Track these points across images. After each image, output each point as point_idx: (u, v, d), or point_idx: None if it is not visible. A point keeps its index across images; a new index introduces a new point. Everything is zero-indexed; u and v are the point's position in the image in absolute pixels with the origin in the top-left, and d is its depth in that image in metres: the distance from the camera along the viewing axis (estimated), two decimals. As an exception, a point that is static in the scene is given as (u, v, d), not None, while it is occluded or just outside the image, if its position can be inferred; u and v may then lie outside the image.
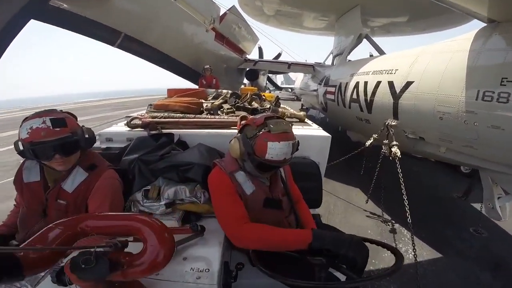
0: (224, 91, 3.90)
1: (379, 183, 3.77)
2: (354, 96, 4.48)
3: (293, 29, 9.77)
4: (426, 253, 3.05)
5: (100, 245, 0.72)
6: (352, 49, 6.40)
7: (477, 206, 3.94)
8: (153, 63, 6.25)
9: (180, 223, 1.43)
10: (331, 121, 7.54)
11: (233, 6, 7.60)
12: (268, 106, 2.69)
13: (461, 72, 2.39)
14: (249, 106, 2.61)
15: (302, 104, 12.73)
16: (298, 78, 14.02)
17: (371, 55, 5.91)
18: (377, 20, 7.43)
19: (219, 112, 2.56)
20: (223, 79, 8.09)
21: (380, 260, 2.79)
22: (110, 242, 0.89)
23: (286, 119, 1.84)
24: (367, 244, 1.09)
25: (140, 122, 2.02)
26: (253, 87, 4.64)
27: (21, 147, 1.16)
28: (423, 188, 4.88)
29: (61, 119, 1.19)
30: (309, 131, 2.19)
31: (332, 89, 5.82)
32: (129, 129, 2.04)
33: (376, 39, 6.02)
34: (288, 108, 3.11)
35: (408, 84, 3.08)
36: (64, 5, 3.86)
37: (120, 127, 2.13)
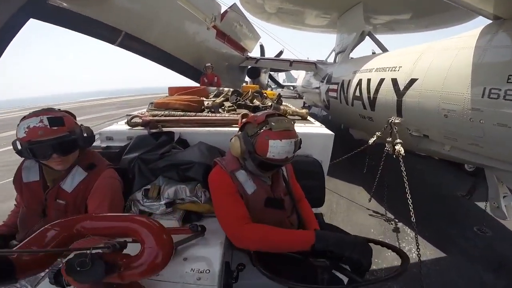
0: (226, 89, 3.88)
1: (382, 182, 3.73)
2: (357, 93, 4.44)
3: (294, 26, 9.71)
4: (429, 252, 3.02)
5: (96, 247, 0.70)
6: (354, 46, 6.34)
7: (481, 205, 3.89)
8: (154, 61, 6.23)
9: (180, 223, 1.41)
10: (334, 119, 7.50)
11: (234, 4, 7.54)
12: (269, 103, 2.66)
13: (466, 69, 2.36)
14: (251, 104, 2.59)
15: (304, 102, 12.67)
16: (300, 76, 13.93)
17: (373, 53, 5.85)
18: (379, 18, 7.37)
19: (220, 110, 2.53)
20: (225, 77, 8.07)
21: (383, 259, 2.76)
22: (108, 243, 0.87)
23: (288, 116, 1.81)
24: (371, 244, 1.06)
25: (141, 120, 2.00)
26: (254, 85, 4.61)
27: (19, 147, 1.15)
28: (427, 187, 4.83)
29: (58, 118, 1.18)
30: (312, 129, 2.16)
31: (335, 87, 5.78)
32: (129, 127, 2.02)
33: (378, 37, 5.97)
34: (290, 105, 3.08)
35: (412, 81, 3.04)
36: (64, 4, 3.84)
37: (121, 126, 2.12)
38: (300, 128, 2.11)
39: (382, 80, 3.68)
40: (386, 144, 3.28)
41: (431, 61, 2.88)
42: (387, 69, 3.68)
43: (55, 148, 1.15)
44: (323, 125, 2.28)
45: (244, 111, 2.37)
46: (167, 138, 1.78)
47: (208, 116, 2.18)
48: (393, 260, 2.76)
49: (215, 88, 4.31)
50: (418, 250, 2.49)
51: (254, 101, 2.76)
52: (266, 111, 1.35)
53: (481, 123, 2.23)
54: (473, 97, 2.26)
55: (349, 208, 4.03)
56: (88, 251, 0.66)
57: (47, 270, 0.91)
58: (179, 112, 2.24)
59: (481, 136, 2.31)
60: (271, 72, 12.77)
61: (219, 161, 1.32)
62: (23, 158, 1.30)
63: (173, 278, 1.03)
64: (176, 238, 1.18)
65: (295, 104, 4.02)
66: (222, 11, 7.21)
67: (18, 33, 2.64)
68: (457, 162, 4.29)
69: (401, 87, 3.22)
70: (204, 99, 3.05)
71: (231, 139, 1.28)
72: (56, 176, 1.28)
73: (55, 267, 0.77)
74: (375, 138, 3.48)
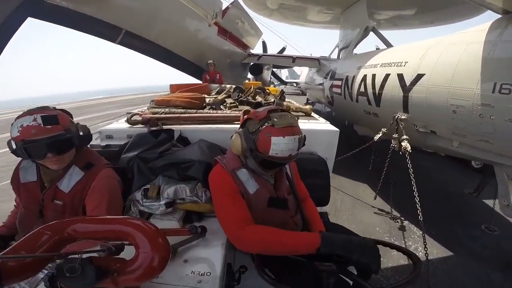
0: (228, 86, 3.83)
1: (388, 179, 3.67)
2: (362, 89, 4.38)
3: (297, 22, 9.63)
4: (436, 251, 2.97)
5: (89, 250, 0.66)
6: (358, 42, 6.27)
7: (489, 202, 3.82)
8: (156, 59, 6.22)
9: (181, 223, 1.36)
10: (337, 115, 7.45)
11: (236, 0, 7.48)
12: (272, 100, 2.61)
13: (475, 64, 2.31)
14: (253, 100, 2.54)
15: (307, 98, 12.60)
16: (303, 73, 13.86)
17: (377, 49, 5.77)
18: (383, 13, 7.30)
19: (222, 107, 2.49)
20: (227, 74, 8.04)
21: (388, 258, 2.71)
22: (104, 245, 0.83)
23: (292, 113, 1.75)
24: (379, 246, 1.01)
25: (141, 118, 1.97)
26: (257, 82, 4.56)
27: (13, 146, 1.12)
28: (433, 184, 4.76)
29: (52, 117, 1.14)
30: (316, 125, 2.10)
31: (339, 83, 5.72)
32: (129, 125, 1.99)
33: (382, 33, 5.87)
34: (293, 102, 3.02)
35: (419, 76, 2.99)
36: (62, 2, 3.80)
37: (121, 124, 2.08)
38: (304, 124, 2.06)
39: (387, 76, 3.62)
40: (392, 140, 3.23)
41: (438, 56, 2.83)
42: (393, 64, 3.62)
43: (50, 147, 1.12)
44: (328, 121, 2.23)
45: (246, 107, 2.32)
46: (167, 136, 1.74)
47: (209, 113, 2.13)
48: (399, 259, 2.70)
49: (217, 85, 4.27)
50: (426, 249, 2.44)
51: (257, 97, 2.70)
52: (268, 106, 1.29)
53: (491, 119, 2.19)
54: (483, 92, 2.22)
55: (354, 206, 3.98)
56: (78, 256, 0.62)
57: (45, 272, 0.88)
58: (180, 110, 2.20)
59: (492, 132, 2.26)
60: (273, 69, 12.70)
61: (219, 160, 1.26)
62: (20, 158, 1.27)
63: (172, 281, 0.99)
64: (177, 239, 1.15)
65: (298, 101, 3.97)
66: (223, 8, 7.15)
67: (16, 32, 2.61)
68: (466, 159, 4.22)
69: (408, 83, 3.16)
70: (206, 96, 3.00)
71: (231, 136, 1.23)
72: (53, 176, 1.25)
73: (51, 270, 0.73)
74: (380, 135, 3.43)
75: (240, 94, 2.80)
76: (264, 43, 11.76)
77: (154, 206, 1.37)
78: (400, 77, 3.31)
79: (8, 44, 2.58)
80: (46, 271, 0.88)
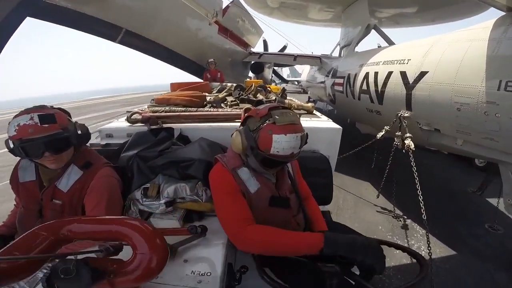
0: (229, 84, 3.81)
1: (391, 177, 3.63)
2: (364, 87, 4.34)
3: (298, 21, 9.59)
4: (439, 250, 2.94)
5: (83, 251, 0.64)
6: (360, 40, 6.22)
7: (492, 201, 3.78)
8: (156, 58, 6.20)
9: (181, 222, 1.35)
10: (339, 113, 7.42)
11: None
12: (273, 97, 2.58)
13: (480, 61, 2.28)
14: (254, 98, 2.51)
15: (309, 96, 12.55)
16: (304, 71, 13.79)
17: (379, 47, 5.73)
18: (385, 11, 7.26)
19: (222, 105, 2.46)
20: (228, 73, 8.01)
21: (391, 257, 2.68)
22: (103, 245, 0.81)
23: (293, 110, 1.73)
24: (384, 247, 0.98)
25: (141, 117, 1.95)
26: (258, 80, 4.54)
27: (11, 145, 1.11)
28: (436, 182, 4.71)
29: (50, 115, 1.12)
30: (318, 123, 2.07)
31: (341, 81, 5.68)
32: (129, 124, 1.97)
33: (384, 31, 5.82)
34: (295, 100, 2.99)
35: (422, 74, 2.95)
36: (61, 2, 3.77)
37: (121, 123, 2.07)
38: (306, 122, 2.03)
39: (390, 73, 3.58)
40: (395, 138, 3.19)
41: (442, 54, 2.79)
42: (396, 62, 3.59)
43: (47, 146, 1.10)
44: (330, 119, 2.20)
45: (247, 105, 2.30)
46: (167, 135, 1.72)
47: (210, 111, 2.11)
48: (401, 258, 2.68)
49: (218, 83, 4.25)
50: (429, 249, 2.41)
51: (258, 95, 2.68)
52: (269, 103, 1.26)
53: (496, 116, 2.15)
54: (488, 90, 2.19)
55: (356, 204, 3.94)
56: (73, 257, 0.60)
57: (45, 271, 0.86)
58: (180, 108, 2.18)
59: (497, 130, 2.22)
60: (275, 67, 12.66)
61: (220, 158, 1.23)
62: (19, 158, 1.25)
63: (172, 281, 0.98)
64: (177, 239, 1.13)
65: (300, 99, 3.94)
66: (223, 6, 7.12)
67: (15, 32, 2.59)
68: (470, 157, 4.18)
69: (411, 80, 3.12)
70: (207, 94, 2.98)
71: (232, 134, 1.20)
72: (52, 176, 1.24)
73: (49, 270, 0.71)
74: (383, 132, 3.39)
75: (241, 92, 2.78)
76: (265, 42, 11.70)
77: (154, 205, 1.35)
78: (403, 74, 3.27)
79: (7, 44, 2.57)
80: (45, 271, 0.86)
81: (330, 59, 7.86)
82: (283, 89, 3.16)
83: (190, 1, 5.81)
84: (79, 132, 1.25)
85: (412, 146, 2.88)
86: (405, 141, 2.95)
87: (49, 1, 3.60)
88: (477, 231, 3.26)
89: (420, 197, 2.60)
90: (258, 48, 10.40)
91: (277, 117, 1.06)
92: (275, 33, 9.35)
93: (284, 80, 18.19)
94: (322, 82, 7.83)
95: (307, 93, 13.55)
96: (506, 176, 2.55)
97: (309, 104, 2.54)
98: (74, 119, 1.32)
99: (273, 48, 11.65)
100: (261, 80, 4.27)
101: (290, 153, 1.07)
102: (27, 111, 1.11)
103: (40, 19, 3.70)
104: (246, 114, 1.23)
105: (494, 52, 2.19)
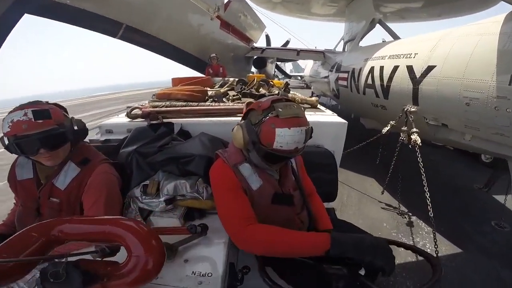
0: (231, 79, 3.75)
1: (396, 173, 3.57)
2: (369, 81, 4.27)
3: (301, 15, 9.43)
4: (445, 247, 2.89)
5: (74, 253, 0.60)
6: (364, 34, 6.12)
7: (499, 198, 3.71)
8: (158, 53, 6.14)
9: (181, 220, 1.31)
10: (343, 108, 7.35)
11: None
12: (276, 92, 2.52)
13: (490, 56, 2.23)
14: (256, 93, 2.46)
15: (312, 91, 12.45)
16: (307, 66, 13.65)
17: (383, 41, 5.62)
18: (390, 6, 7.12)
19: (224, 99, 2.41)
20: (231, 68, 7.94)
21: (396, 255, 2.62)
22: (98, 246, 0.78)
23: (297, 104, 1.67)
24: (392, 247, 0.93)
25: (141, 112, 1.91)
26: (260, 74, 4.48)
27: (6, 142, 1.08)
28: (441, 178, 4.64)
29: (44, 111, 1.09)
30: (323, 117, 2.02)
31: (345, 75, 5.61)
32: (129, 120, 1.94)
33: (389, 25, 5.70)
34: (298, 94, 2.93)
35: (430, 68, 2.89)
36: None
37: (121, 118, 2.04)
38: (310, 116, 1.97)
39: (396, 68, 3.51)
40: (401, 133, 3.14)
41: (450, 48, 2.73)
42: (402, 56, 3.52)
43: (42, 142, 1.07)
44: (335, 113, 2.14)
45: (250, 100, 2.24)
46: (167, 130, 1.68)
47: (211, 105, 2.06)
48: (406, 256, 2.63)
49: (221, 78, 4.20)
50: (436, 246, 2.37)
51: (260, 89, 2.62)
52: (272, 96, 1.21)
53: (507, 111, 2.11)
54: (498, 84, 2.15)
55: (361, 200, 3.89)
56: (64, 260, 0.57)
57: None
58: (181, 103, 2.14)
59: (507, 125, 2.17)
60: (277, 62, 12.55)
61: (221, 154, 1.18)
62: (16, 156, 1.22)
63: (172, 282, 0.95)
64: (177, 238, 1.09)
65: (303, 94, 3.88)
66: (225, 1, 7.02)
67: (13, 30, 2.56)
68: (477, 152, 4.09)
69: (418, 75, 3.06)
70: (208, 89, 2.93)
71: (233, 128, 1.14)
72: (49, 173, 1.21)
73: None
74: (389, 127, 3.34)
75: (243, 86, 2.72)
76: (267, 37, 11.57)
77: (154, 203, 1.31)
78: (410, 69, 3.21)
79: (5, 41, 2.53)
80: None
81: (334, 54, 7.77)
82: (286, 83, 3.10)
83: (191, -4, 5.74)
84: (76, 127, 1.21)
85: (419, 141, 2.83)
86: (411, 136, 2.90)
87: None
88: (483, 228, 3.21)
89: (427, 194, 2.55)
90: (260, 43, 10.31)
91: (280, 109, 1.00)
92: (278, 28, 9.25)
93: (287, 75, 18.05)
94: (325, 77, 7.74)
95: (310, 88, 13.44)
96: (515, 173, 2.49)
97: (313, 98, 2.48)
98: (77, 116, 1.28)
99: (276, 43, 11.54)
100: (263, 75, 4.22)
101: (294, 147, 1.01)
102: (21, 107, 1.08)
103: (38, 15, 3.64)
104: (248, 108, 1.17)
105: (505, 46, 2.15)
